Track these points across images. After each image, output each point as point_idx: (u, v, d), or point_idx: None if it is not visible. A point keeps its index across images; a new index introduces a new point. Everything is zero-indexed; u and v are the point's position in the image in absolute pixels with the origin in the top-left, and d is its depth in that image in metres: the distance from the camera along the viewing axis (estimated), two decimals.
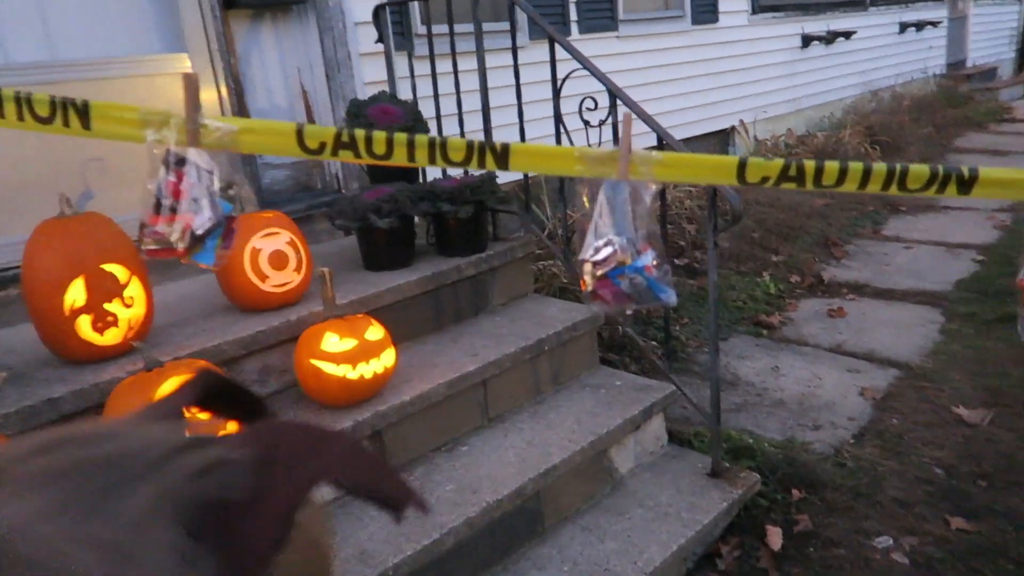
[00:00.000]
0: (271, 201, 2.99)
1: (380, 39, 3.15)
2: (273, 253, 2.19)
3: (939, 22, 9.48)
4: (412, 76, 3.07)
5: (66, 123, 1.05)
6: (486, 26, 2.95)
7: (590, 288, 1.24)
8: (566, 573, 2.02)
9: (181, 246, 1.10)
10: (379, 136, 1.07)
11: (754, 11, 6.51)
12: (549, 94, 2.63)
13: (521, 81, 2.77)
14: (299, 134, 1.06)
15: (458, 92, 2.90)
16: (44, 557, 0.30)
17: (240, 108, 2.92)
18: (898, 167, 1.11)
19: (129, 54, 2.66)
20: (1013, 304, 3.31)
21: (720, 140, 6.34)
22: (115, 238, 1.95)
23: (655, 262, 1.19)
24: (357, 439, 0.44)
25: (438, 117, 2.95)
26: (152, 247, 1.12)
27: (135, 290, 1.97)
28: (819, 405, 2.97)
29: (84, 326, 1.89)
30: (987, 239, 4.77)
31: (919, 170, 1.09)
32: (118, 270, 1.92)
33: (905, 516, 2.31)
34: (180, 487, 0.35)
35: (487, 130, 2.79)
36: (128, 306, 1.96)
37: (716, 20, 6.14)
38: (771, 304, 3.94)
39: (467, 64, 2.90)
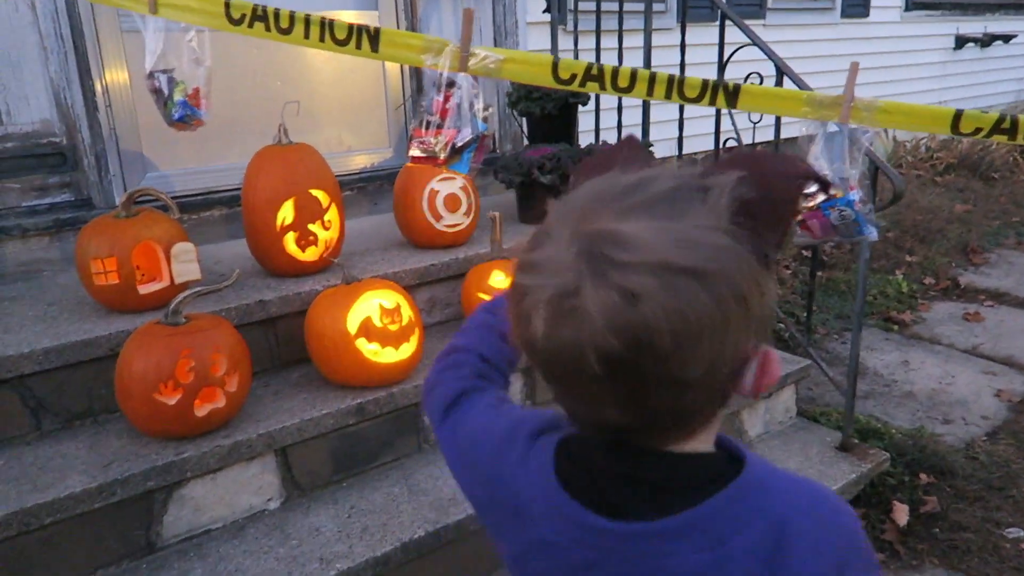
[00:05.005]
0: None
1: (547, 9, 3.31)
2: (448, 196, 2.40)
3: None
4: (576, 48, 3.22)
5: (359, 46, 1.26)
6: (634, 6, 3.05)
7: (799, 218, 1.36)
8: None
9: (443, 155, 1.29)
10: (624, 71, 1.22)
11: (907, 8, 6.30)
12: (708, 75, 2.73)
13: (688, 62, 2.87)
14: (554, 66, 1.22)
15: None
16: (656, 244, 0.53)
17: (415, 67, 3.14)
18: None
19: (328, 9, 2.92)
20: None
21: None
22: (321, 167, 2.20)
23: (863, 199, 1.30)
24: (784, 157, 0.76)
25: (597, 94, 3.09)
26: (418, 154, 1.32)
27: (333, 215, 2.22)
28: (950, 401, 2.95)
29: (290, 242, 2.15)
30: None
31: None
32: (322, 195, 2.17)
33: None
34: (722, 196, 0.56)
35: (645, 111, 2.91)
36: (327, 228, 2.21)
37: (867, 15, 5.98)
38: (902, 302, 3.89)
39: (630, 42, 3.02)
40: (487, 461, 0.76)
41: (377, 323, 1.93)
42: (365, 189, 3.01)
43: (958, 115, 1.19)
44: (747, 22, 5.25)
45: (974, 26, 6.93)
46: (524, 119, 3.07)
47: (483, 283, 2.21)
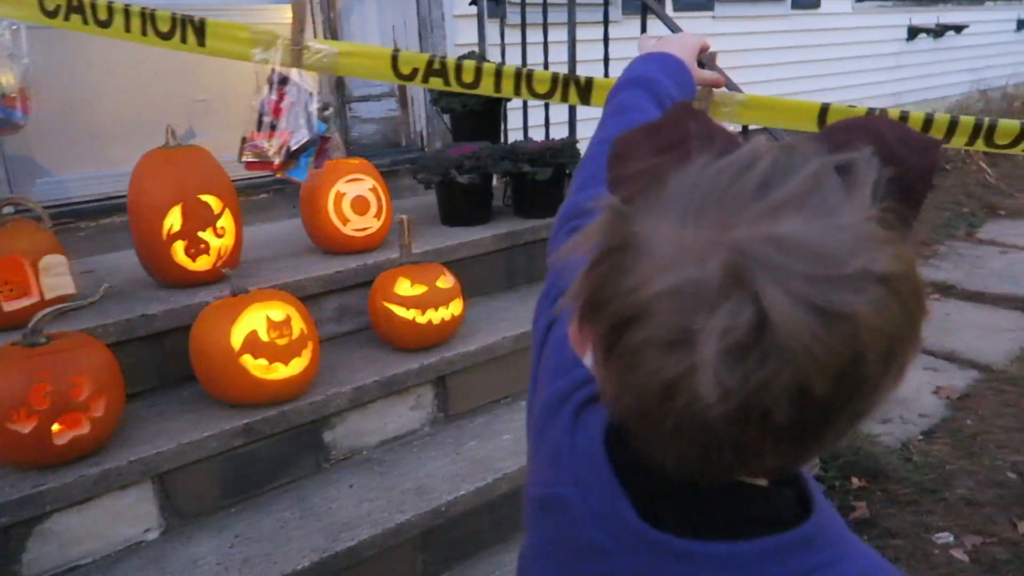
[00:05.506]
0: (358, 153, 3.07)
1: (474, 1, 3.19)
2: (356, 198, 2.28)
3: None
4: (502, 42, 3.11)
5: (184, 39, 1.14)
6: None
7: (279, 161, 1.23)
8: None
9: (277, 160, 1.17)
10: (468, 65, 1.12)
11: None
12: None
13: (612, 56, 2.77)
14: (394, 59, 1.11)
15: (546, 61, 2.92)
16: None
17: None
18: (986, 120, 1.08)
19: (240, 3, 2.78)
20: None
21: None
22: (213, 171, 2.07)
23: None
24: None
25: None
26: (251, 159, 1.20)
27: (227, 221, 2.08)
28: (891, 399, 2.88)
29: (179, 251, 2.02)
30: None
31: (1009, 125, 1.06)
32: (213, 201, 2.04)
33: (971, 515, 2.24)
34: (867, 178, 0.46)
35: (572, 107, 2.81)
36: (219, 236, 2.08)
37: (818, 5, 5.93)
38: None
39: (558, 35, 2.91)
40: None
41: (264, 337, 1.80)
42: (283, 191, 2.87)
43: (824, 109, 1.09)
44: (696, 14, 5.23)
45: (927, 17, 6.92)
46: (447, 116, 2.95)
47: (389, 291, 2.10)
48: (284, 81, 1.13)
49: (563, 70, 2.78)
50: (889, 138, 0.53)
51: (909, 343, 0.45)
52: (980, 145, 1.13)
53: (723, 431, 0.44)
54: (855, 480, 2.37)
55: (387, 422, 2.07)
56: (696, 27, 5.05)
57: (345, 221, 2.27)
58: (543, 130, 3.01)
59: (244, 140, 1.22)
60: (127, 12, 1.11)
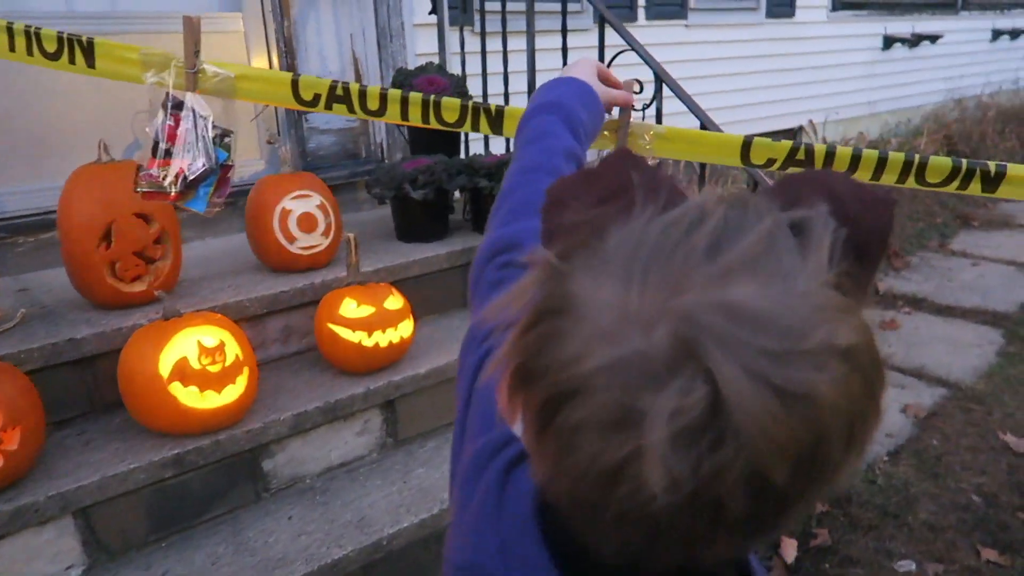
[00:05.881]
0: (316, 166, 3.00)
1: (433, 10, 3.12)
2: (303, 215, 2.20)
3: None
4: (463, 51, 3.04)
5: (72, 60, 1.06)
6: (546, 6, 2.89)
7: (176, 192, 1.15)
8: None
9: (173, 191, 1.09)
10: (373, 91, 1.04)
11: (834, 7, 6.25)
12: None
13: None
14: (294, 84, 1.04)
15: (505, 71, 2.86)
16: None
17: (290, 69, 2.93)
18: (917, 157, 1.02)
19: (186, 10, 2.69)
20: None
21: (786, 138, 6.13)
22: None
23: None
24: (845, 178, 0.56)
25: (484, 95, 2.91)
26: (146, 189, 1.12)
27: (164, 240, 2.00)
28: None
29: (111, 272, 1.93)
30: None
31: (940, 162, 1.00)
32: (149, 218, 1.95)
33: (934, 541, 2.19)
34: (823, 238, 0.43)
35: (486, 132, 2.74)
36: (156, 255, 1.99)
37: (792, 15, 5.92)
38: None
39: (520, 44, 2.85)
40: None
41: (194, 364, 1.72)
42: (235, 204, 2.78)
43: (747, 143, 1.03)
44: (669, 22, 5.19)
45: (902, 26, 6.92)
46: (406, 128, 2.88)
47: (334, 312, 2.02)
48: (179, 105, 1.06)
49: (524, 78, 2.75)
50: (843, 194, 0.48)
51: (871, 420, 0.42)
52: (911, 183, 1.07)
53: (671, 522, 0.39)
54: (818, 505, 2.32)
55: (331, 449, 1.99)
56: (669, 36, 5.01)
57: (292, 239, 2.19)
58: (505, 142, 2.95)
59: (139, 168, 1.14)
60: (10, 31, 1.03)
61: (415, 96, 1.09)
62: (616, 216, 0.44)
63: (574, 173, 0.54)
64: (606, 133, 1.07)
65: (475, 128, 1.10)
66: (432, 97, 1.08)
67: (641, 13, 4.91)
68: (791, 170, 1.14)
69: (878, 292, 4.05)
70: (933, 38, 7.11)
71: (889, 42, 6.79)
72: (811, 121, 6.13)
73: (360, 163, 3.15)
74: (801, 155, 1.09)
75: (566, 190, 0.52)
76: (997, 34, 8.25)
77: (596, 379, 0.38)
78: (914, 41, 6.98)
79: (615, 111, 1.11)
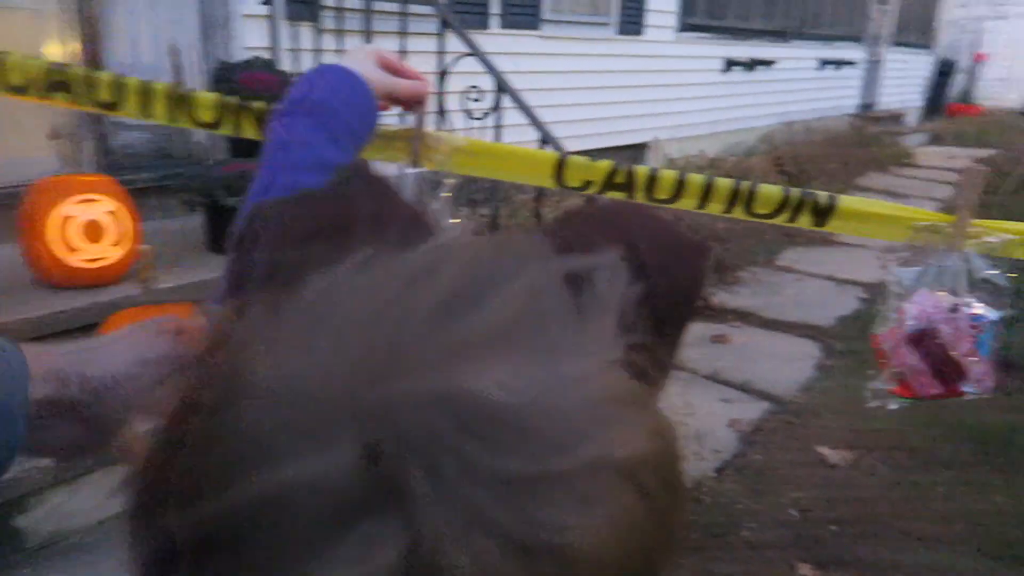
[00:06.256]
0: (121, 166, 2.70)
1: (267, 1, 2.90)
2: (88, 223, 1.93)
3: (856, 62, 9.79)
4: (296, 47, 2.84)
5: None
6: (389, 6, 2.75)
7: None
8: None
9: None
10: (105, 78, 0.86)
11: (681, 28, 6.51)
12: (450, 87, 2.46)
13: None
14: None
15: None
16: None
17: (93, 58, 2.61)
18: (745, 185, 0.98)
19: None
20: None
21: (633, 154, 6.30)
22: None
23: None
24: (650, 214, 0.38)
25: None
26: None
27: None
28: (689, 435, 2.88)
29: None
30: (873, 277, 4.85)
31: (770, 192, 0.96)
32: None
33: (754, 560, 2.24)
34: (609, 297, 0.31)
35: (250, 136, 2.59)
36: None
37: (641, 33, 6.09)
38: None
39: (361, 43, 2.69)
40: None
41: None
42: (11, 207, 2.43)
43: (561, 162, 0.94)
44: (523, 32, 5.16)
45: (741, 50, 7.33)
46: None
47: None
48: None
49: None
50: (644, 237, 0.38)
51: (663, 554, 0.30)
52: (739, 213, 1.03)
53: None
54: None
55: (108, 497, 1.74)
56: (523, 46, 5.00)
57: (73, 250, 1.91)
58: None
59: None
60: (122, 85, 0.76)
61: (160, 87, 0.91)
62: (324, 259, 0.31)
63: (284, 197, 0.44)
64: (398, 142, 0.93)
65: (237, 132, 0.94)
66: (182, 91, 0.91)
67: (495, 21, 4.87)
68: (610, 195, 1.06)
69: (711, 307, 4.21)
70: (768, 63, 7.59)
71: (729, 65, 7.16)
72: (656, 138, 6.34)
73: (176, 164, 2.86)
74: (620, 178, 1.01)
75: (273, 216, 0.39)
76: (823, 63, 8.94)
77: (254, 519, 0.25)
78: (751, 65, 7.41)
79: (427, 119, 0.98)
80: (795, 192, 1.03)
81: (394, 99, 0.82)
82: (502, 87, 2.28)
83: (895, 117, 10.81)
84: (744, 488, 2.57)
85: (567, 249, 0.33)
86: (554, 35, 5.29)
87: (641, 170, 0.97)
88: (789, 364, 3.53)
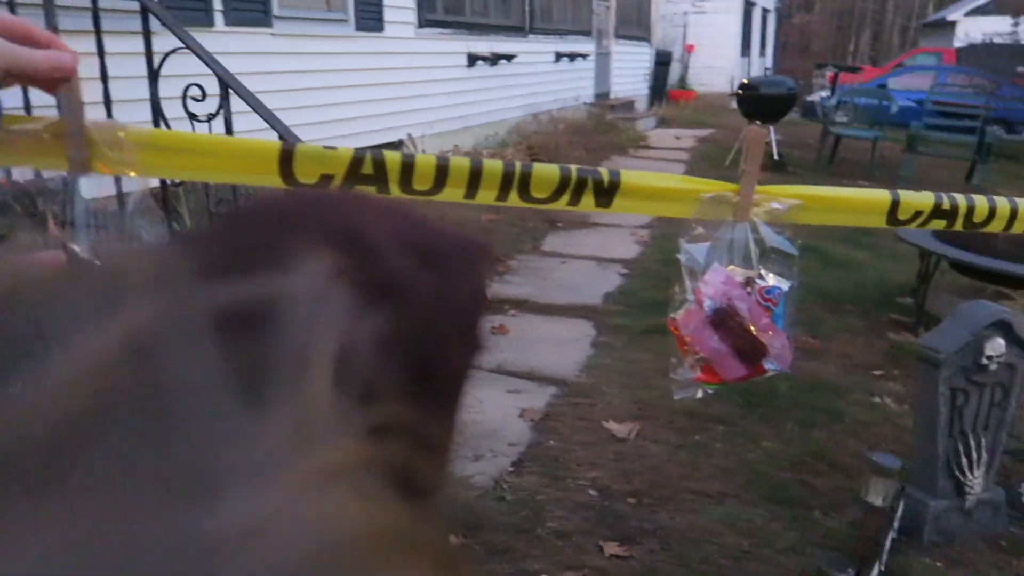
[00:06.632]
0: None
1: None
2: None
3: (588, 55, 10.44)
4: None
5: None
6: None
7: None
8: None
9: None
10: None
11: (420, 24, 6.45)
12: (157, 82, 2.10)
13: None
14: None
15: None
16: None
17: None
18: (518, 166, 0.84)
19: None
20: (658, 316, 3.49)
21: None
22: None
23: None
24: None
25: None
26: None
27: None
28: (482, 433, 2.79)
29: None
30: (631, 254, 5.15)
31: (546, 173, 0.83)
32: None
33: (564, 548, 2.19)
34: (318, 354, 0.19)
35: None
36: None
37: (382, 29, 5.94)
38: None
39: (79, 45, 2.24)
40: None
41: None
42: None
43: (287, 154, 0.75)
44: (252, 29, 4.75)
45: (483, 45, 7.45)
46: None
47: None
48: None
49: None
50: (383, 237, 0.23)
51: None
52: (515, 200, 0.90)
53: None
54: (454, 538, 2.17)
55: None
56: (254, 45, 4.61)
57: None
58: None
59: None
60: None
61: None
62: None
63: None
64: (46, 137, 0.67)
65: None
66: None
67: (219, 17, 4.44)
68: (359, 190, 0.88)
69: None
70: (509, 57, 7.80)
71: (473, 60, 7.24)
72: (410, 135, 6.23)
73: None
74: (368, 168, 0.83)
75: None
76: (559, 56, 9.40)
77: None
78: (494, 60, 7.56)
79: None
80: (574, 171, 0.92)
81: (24, 76, 0.56)
82: (230, 87, 2.00)
83: (627, 104, 11.72)
84: (543, 477, 2.52)
85: (245, 266, 0.20)
86: (288, 32, 4.96)
87: (392, 156, 0.81)
88: (568, 346, 3.58)
